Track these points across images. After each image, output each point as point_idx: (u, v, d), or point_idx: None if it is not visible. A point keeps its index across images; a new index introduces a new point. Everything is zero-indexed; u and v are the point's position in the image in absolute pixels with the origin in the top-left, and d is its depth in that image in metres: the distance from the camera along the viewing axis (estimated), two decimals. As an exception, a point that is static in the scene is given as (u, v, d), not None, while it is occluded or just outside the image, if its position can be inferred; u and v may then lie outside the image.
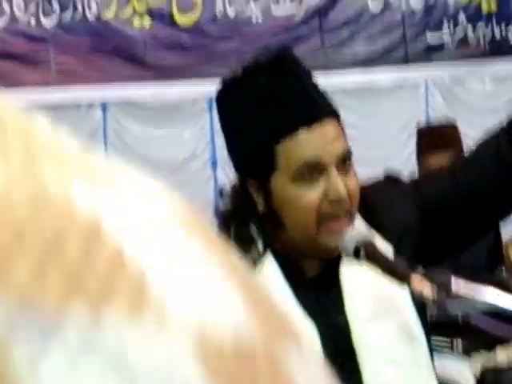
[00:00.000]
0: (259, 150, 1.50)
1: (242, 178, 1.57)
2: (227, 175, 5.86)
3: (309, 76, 1.57)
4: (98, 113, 5.77)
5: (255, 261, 1.52)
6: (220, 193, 1.65)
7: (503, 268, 3.68)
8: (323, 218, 1.48)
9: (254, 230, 1.56)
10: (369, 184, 1.67)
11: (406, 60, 6.22)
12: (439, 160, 3.66)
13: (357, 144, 6.99)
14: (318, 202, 1.47)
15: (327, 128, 1.49)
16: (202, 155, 5.95)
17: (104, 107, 5.79)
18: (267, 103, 1.50)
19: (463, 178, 1.58)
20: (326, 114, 1.51)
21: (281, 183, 1.50)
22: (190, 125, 5.94)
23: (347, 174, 1.50)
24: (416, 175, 3.80)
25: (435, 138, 3.83)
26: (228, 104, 1.58)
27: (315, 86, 1.56)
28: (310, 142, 1.47)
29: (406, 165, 4.41)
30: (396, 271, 1.43)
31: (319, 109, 1.51)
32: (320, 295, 1.56)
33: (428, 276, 1.39)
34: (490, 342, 2.53)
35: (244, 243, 1.52)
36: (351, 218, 1.51)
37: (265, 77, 1.51)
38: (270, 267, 1.54)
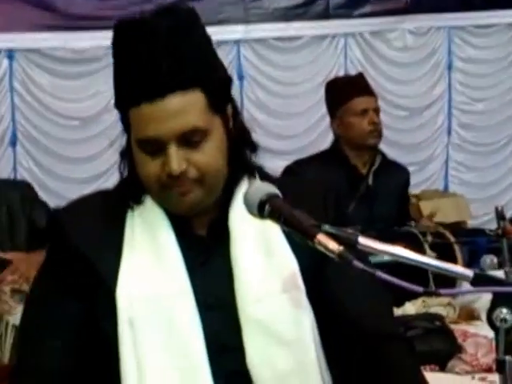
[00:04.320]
0: (119, 108, 1.52)
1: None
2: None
3: (184, 40, 1.47)
4: (4, 61, 5.61)
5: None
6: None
7: (413, 223, 3.74)
8: (165, 187, 1.49)
9: None
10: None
11: (327, 14, 6.18)
12: (370, 104, 3.70)
13: (277, 96, 6.91)
14: (157, 174, 1.48)
15: (171, 103, 1.45)
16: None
17: (10, 56, 5.62)
18: (124, 67, 1.49)
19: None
20: (173, 88, 1.45)
21: (134, 145, 1.50)
22: (103, 76, 5.78)
23: (195, 149, 1.47)
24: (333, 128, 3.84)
25: (362, 83, 3.83)
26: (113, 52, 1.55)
27: (183, 53, 1.47)
28: (149, 119, 1.45)
29: (325, 117, 4.39)
30: (302, 227, 1.38)
31: (164, 83, 1.44)
32: (209, 258, 1.54)
33: (335, 234, 1.35)
34: (397, 298, 2.56)
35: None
36: (207, 189, 1.50)
37: (134, 36, 1.47)
38: (162, 225, 1.53)
